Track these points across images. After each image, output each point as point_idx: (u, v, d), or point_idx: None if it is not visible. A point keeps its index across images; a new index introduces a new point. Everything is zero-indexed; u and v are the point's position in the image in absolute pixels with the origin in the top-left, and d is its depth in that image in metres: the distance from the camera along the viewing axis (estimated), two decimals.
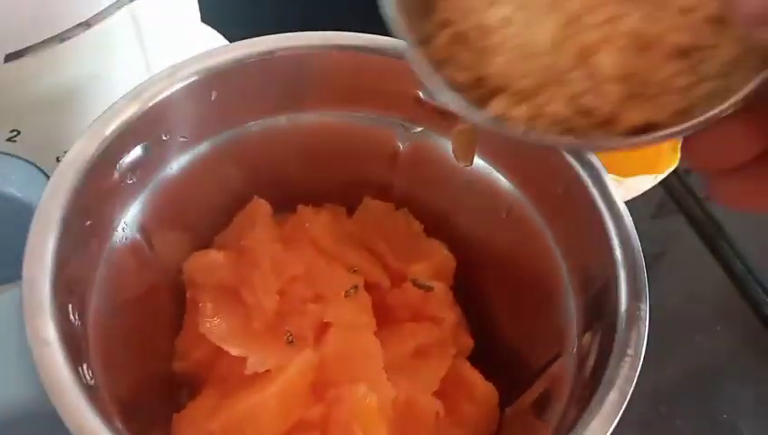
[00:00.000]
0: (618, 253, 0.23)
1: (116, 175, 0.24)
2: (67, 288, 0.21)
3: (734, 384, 0.41)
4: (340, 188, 0.32)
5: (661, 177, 0.42)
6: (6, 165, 0.27)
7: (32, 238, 0.20)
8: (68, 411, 0.17)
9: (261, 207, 0.30)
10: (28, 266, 0.20)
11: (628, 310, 0.21)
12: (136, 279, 0.27)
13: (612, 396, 0.20)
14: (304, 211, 0.31)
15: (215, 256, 0.30)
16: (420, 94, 0.29)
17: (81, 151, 0.23)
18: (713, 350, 0.42)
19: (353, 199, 0.33)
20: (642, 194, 0.48)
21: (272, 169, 0.31)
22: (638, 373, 0.20)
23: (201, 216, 0.30)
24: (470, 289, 0.32)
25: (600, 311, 0.23)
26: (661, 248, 0.46)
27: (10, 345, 0.19)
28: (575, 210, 0.25)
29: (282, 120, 0.30)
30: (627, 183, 0.40)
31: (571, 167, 0.25)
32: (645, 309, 0.21)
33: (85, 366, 0.20)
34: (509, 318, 0.31)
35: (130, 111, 0.24)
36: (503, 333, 0.31)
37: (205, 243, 0.30)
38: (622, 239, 0.23)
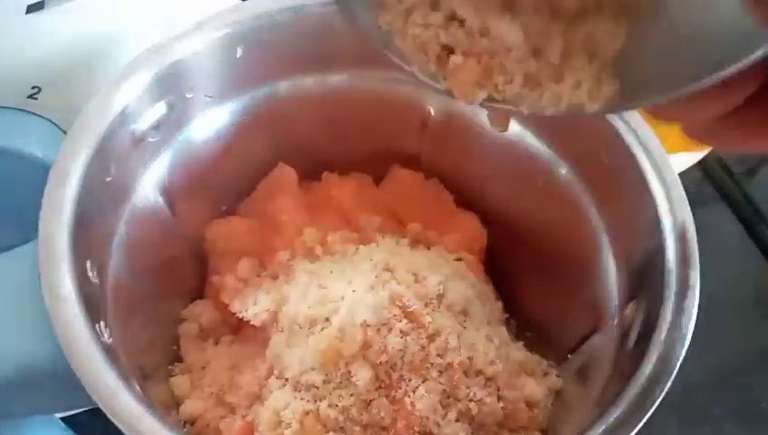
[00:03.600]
0: (666, 219, 0.21)
1: (137, 132, 0.23)
2: (86, 245, 0.20)
3: None
4: (368, 156, 0.31)
5: (701, 154, 0.40)
6: (27, 123, 0.26)
7: (48, 193, 0.20)
8: (84, 368, 0.17)
9: (286, 173, 0.29)
10: (44, 221, 0.19)
11: (677, 278, 0.20)
12: (158, 246, 0.26)
13: (656, 371, 0.18)
14: (330, 178, 0.30)
15: (237, 223, 0.29)
16: None
17: (100, 105, 0.22)
18: (751, 336, 0.41)
19: (381, 169, 0.31)
20: (680, 178, 0.47)
21: (298, 135, 0.30)
22: (686, 348, 0.19)
23: (224, 181, 0.29)
24: (501, 263, 0.30)
25: (646, 280, 0.21)
26: (699, 234, 0.44)
27: (26, 303, 0.18)
28: (619, 177, 0.24)
29: (309, 81, 0.28)
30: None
31: (617, 133, 0.24)
32: (696, 277, 0.20)
33: (102, 324, 0.19)
34: (542, 293, 0.29)
35: (153, 66, 0.23)
36: (534, 308, 0.29)
37: (228, 210, 0.30)
38: (671, 205, 0.22)
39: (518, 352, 0.26)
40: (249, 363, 0.26)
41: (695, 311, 0.19)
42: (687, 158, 0.39)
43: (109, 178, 0.22)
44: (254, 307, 0.26)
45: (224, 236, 0.29)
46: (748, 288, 0.44)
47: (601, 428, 0.18)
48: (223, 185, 0.29)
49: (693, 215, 0.43)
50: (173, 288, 0.28)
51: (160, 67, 0.23)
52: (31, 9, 0.24)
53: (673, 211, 0.21)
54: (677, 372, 0.19)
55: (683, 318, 0.19)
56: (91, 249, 0.20)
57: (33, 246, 0.19)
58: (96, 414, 0.29)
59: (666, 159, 0.23)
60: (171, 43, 0.24)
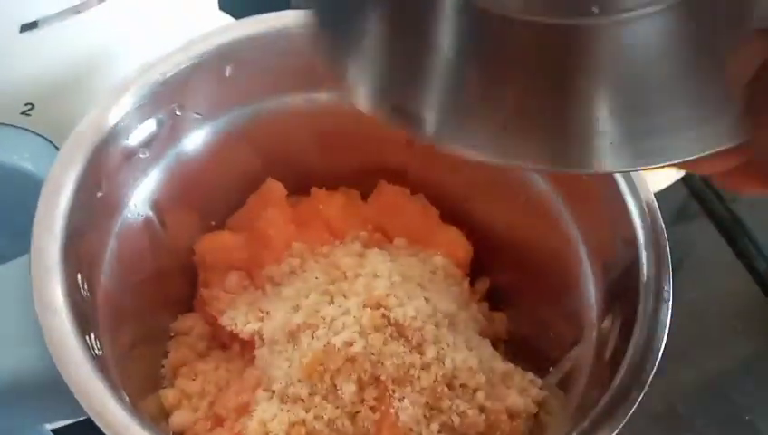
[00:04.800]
0: (641, 234, 0.22)
1: (128, 148, 0.24)
2: (77, 258, 0.20)
3: (755, 385, 0.40)
4: (355, 172, 0.32)
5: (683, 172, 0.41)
6: (20, 139, 0.26)
7: (41, 207, 0.20)
8: (75, 379, 0.17)
9: (275, 188, 0.30)
10: (37, 235, 0.19)
11: (652, 292, 0.21)
12: (148, 259, 0.26)
13: (629, 381, 0.19)
14: (318, 193, 0.31)
15: (227, 237, 0.30)
16: None
17: (93, 121, 0.22)
18: (735, 349, 0.41)
19: (368, 184, 0.32)
20: (665, 193, 0.47)
21: (286, 151, 0.31)
22: (659, 359, 0.19)
23: (214, 196, 0.30)
24: (485, 277, 0.31)
25: (621, 294, 0.22)
26: (684, 249, 0.45)
27: (19, 315, 0.18)
28: (596, 194, 0.25)
29: (297, 99, 0.29)
30: (651, 176, 0.39)
31: None
32: (669, 291, 0.21)
33: (93, 336, 0.19)
34: (526, 306, 0.30)
35: (143, 84, 0.24)
36: (520, 321, 0.30)
37: (217, 224, 0.30)
38: (645, 220, 0.22)
39: (501, 364, 0.26)
40: (237, 376, 0.26)
41: (667, 323, 0.20)
42: (671, 173, 0.40)
43: (100, 194, 0.23)
44: (242, 321, 0.26)
45: (213, 250, 0.29)
46: (732, 302, 0.45)
47: None
48: (212, 200, 0.30)
49: (678, 231, 0.44)
50: (163, 301, 0.28)
51: (150, 85, 0.24)
52: (24, 28, 0.24)
53: (647, 226, 0.22)
54: (661, 384, 0.19)
55: (657, 331, 0.20)
56: (82, 263, 0.21)
57: (26, 259, 0.20)
58: (87, 426, 0.30)
59: (640, 176, 0.23)
60: (161, 61, 0.24)
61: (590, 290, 0.25)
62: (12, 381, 0.18)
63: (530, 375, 0.26)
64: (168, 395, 0.26)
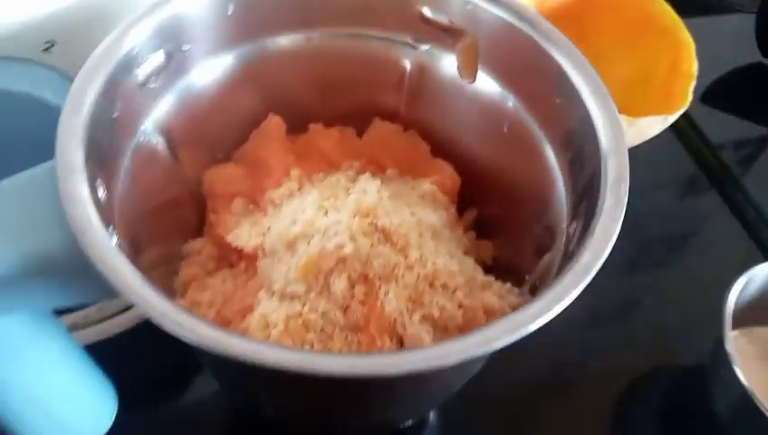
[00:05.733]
0: (605, 146, 0.24)
1: (140, 76, 0.26)
2: (96, 166, 0.23)
3: None
4: (351, 111, 0.34)
5: (672, 119, 0.43)
6: (41, 73, 0.29)
7: (65, 114, 0.23)
8: (99, 257, 0.19)
9: (275, 123, 0.32)
10: (61, 134, 0.22)
11: (612, 192, 0.23)
12: (160, 187, 0.29)
13: (585, 260, 0.21)
14: (315, 129, 0.33)
15: (232, 168, 0.32)
16: (425, 12, 0.30)
17: (108, 48, 0.25)
18: None
19: (363, 123, 0.34)
20: (674, 167, 0.49)
21: (286, 90, 0.33)
22: (614, 237, 0.22)
23: (220, 131, 0.32)
24: (473, 202, 0.33)
25: (585, 198, 0.24)
26: (693, 222, 0.46)
27: (50, 207, 0.21)
28: (568, 113, 0.27)
29: (294, 38, 0.32)
30: (638, 124, 0.41)
31: (566, 75, 0.27)
32: (625, 189, 0.23)
33: (111, 227, 0.22)
34: (509, 233, 0.32)
35: (154, 18, 0.26)
36: (503, 248, 0.32)
37: (224, 158, 0.33)
38: (608, 132, 0.24)
39: (482, 276, 0.29)
40: (243, 288, 0.29)
41: (622, 214, 0.22)
42: (657, 121, 0.42)
43: (116, 114, 0.25)
44: (246, 237, 0.29)
45: (220, 180, 0.32)
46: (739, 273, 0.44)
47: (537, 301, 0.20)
48: (219, 134, 0.32)
49: (687, 204, 0.44)
50: (174, 227, 0.31)
51: (160, 19, 0.26)
52: None
53: (611, 138, 0.24)
54: None
55: (612, 221, 0.22)
56: (100, 169, 0.23)
57: (47, 164, 0.22)
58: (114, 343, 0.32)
59: (606, 93, 0.25)
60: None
61: (563, 204, 0.27)
62: (42, 260, 0.21)
63: (507, 285, 0.28)
64: (179, 304, 0.28)
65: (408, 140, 0.34)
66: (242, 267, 0.30)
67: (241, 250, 0.29)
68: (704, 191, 0.49)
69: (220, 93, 0.31)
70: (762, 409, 0.31)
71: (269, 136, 0.32)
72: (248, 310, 0.27)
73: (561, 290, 0.20)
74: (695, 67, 0.46)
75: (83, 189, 0.21)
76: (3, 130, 0.29)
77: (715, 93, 0.55)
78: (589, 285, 0.21)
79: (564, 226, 0.26)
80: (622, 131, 0.25)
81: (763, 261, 0.36)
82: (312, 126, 0.33)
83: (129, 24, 0.26)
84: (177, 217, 0.31)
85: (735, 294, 0.34)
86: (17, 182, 0.22)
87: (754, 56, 0.58)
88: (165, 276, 0.30)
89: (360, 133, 0.34)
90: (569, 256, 0.23)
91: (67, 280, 0.21)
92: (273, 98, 0.33)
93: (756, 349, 0.38)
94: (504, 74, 0.30)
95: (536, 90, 0.29)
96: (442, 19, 0.30)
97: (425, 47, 0.32)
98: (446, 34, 0.31)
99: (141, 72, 0.26)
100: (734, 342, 0.34)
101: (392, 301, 0.24)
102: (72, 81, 0.30)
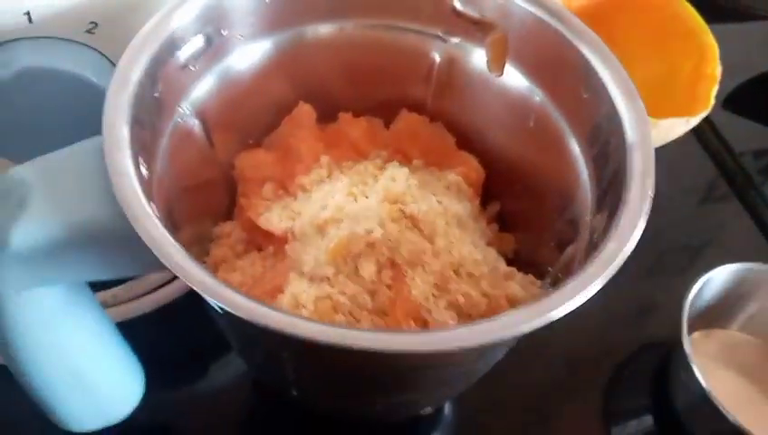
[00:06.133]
0: (631, 139, 0.25)
1: (180, 58, 0.27)
2: (138, 141, 0.24)
3: None
4: (379, 102, 0.35)
5: (694, 121, 0.43)
6: (84, 54, 0.30)
7: (111, 91, 0.23)
8: (144, 228, 0.20)
9: (306, 111, 0.33)
10: (108, 110, 0.23)
11: (637, 186, 0.23)
12: (195, 167, 0.30)
13: (610, 250, 0.22)
14: (344, 117, 0.34)
15: (263, 154, 0.33)
16: (457, 5, 0.31)
17: (154, 28, 0.26)
18: None
19: (391, 114, 0.35)
20: (695, 173, 0.49)
21: (316, 79, 0.34)
22: (640, 229, 0.22)
23: (251, 117, 0.33)
24: (496, 196, 0.34)
25: (610, 191, 0.25)
26: (712, 229, 0.46)
27: (96, 179, 0.22)
28: (595, 108, 0.27)
29: (327, 27, 0.32)
30: (660, 125, 0.41)
31: (593, 70, 0.27)
32: (651, 183, 0.23)
33: (151, 204, 0.23)
34: (532, 226, 0.33)
35: (197, 2, 0.27)
36: (526, 241, 0.33)
37: (255, 143, 0.33)
38: (634, 127, 0.25)
39: (505, 266, 0.29)
40: (272, 269, 0.29)
41: (648, 207, 0.23)
42: (679, 123, 0.42)
43: (156, 94, 0.26)
44: (276, 220, 0.29)
45: (251, 165, 0.32)
46: None
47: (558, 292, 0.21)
48: (250, 120, 0.33)
49: (707, 210, 0.44)
50: (205, 208, 0.31)
51: (203, 3, 0.27)
52: None
53: (637, 132, 0.25)
54: None
55: (638, 214, 0.23)
56: (142, 147, 0.24)
57: (95, 139, 0.23)
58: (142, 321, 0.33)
59: (634, 89, 0.26)
60: None
61: (588, 197, 0.28)
62: (87, 231, 0.22)
63: (530, 277, 0.29)
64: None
65: (435, 131, 0.35)
66: (270, 251, 0.31)
67: (270, 233, 0.30)
68: (724, 197, 0.49)
69: (254, 79, 0.32)
70: (720, 408, 0.32)
71: (300, 123, 0.33)
72: (277, 290, 0.28)
73: (586, 278, 0.21)
74: (718, 70, 0.46)
75: (129, 164, 0.22)
76: (47, 106, 0.30)
77: (736, 99, 0.55)
78: (606, 287, 0.21)
79: (588, 218, 0.27)
80: (648, 126, 0.25)
81: None
82: (341, 115, 0.34)
83: (173, 7, 0.26)
84: (208, 200, 0.32)
85: (693, 295, 0.35)
86: (64, 155, 0.23)
87: None
88: (196, 257, 0.31)
89: (387, 124, 0.35)
90: (593, 247, 0.24)
91: (109, 252, 0.22)
92: (304, 86, 0.34)
93: (715, 350, 0.39)
94: (533, 69, 0.31)
95: (564, 84, 0.29)
96: (473, 12, 0.31)
97: (455, 40, 0.32)
98: (476, 28, 0.31)
99: (183, 55, 0.27)
100: (694, 344, 0.34)
101: (419, 286, 0.25)
102: (112, 62, 0.31)
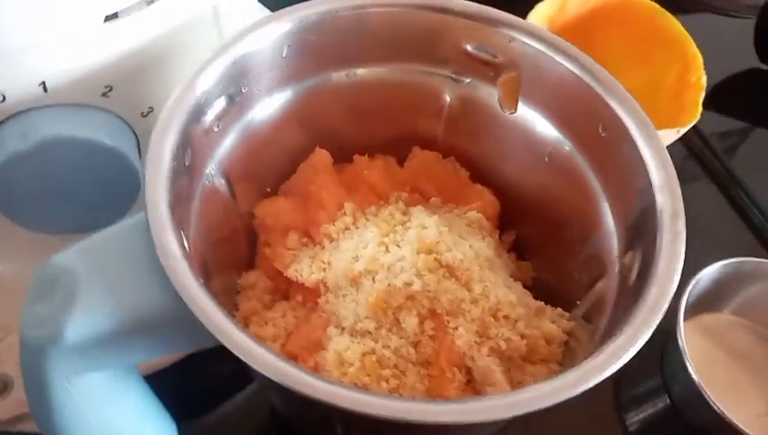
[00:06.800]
0: (656, 181, 0.26)
1: (206, 122, 0.27)
2: (178, 217, 0.24)
3: None
4: (390, 141, 0.35)
5: (683, 130, 0.44)
6: (100, 118, 0.30)
7: (149, 170, 0.23)
8: (203, 310, 0.20)
9: (323, 156, 0.33)
10: (150, 193, 0.23)
11: (669, 227, 0.24)
12: (222, 221, 0.30)
13: (655, 300, 0.23)
14: (360, 160, 0.34)
15: (282, 202, 0.33)
16: (468, 47, 0.32)
17: (180, 99, 0.26)
18: None
19: (402, 151, 0.35)
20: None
21: (328, 123, 0.34)
22: (677, 280, 0.23)
23: (268, 166, 0.33)
24: (510, 224, 0.34)
25: (642, 231, 0.26)
26: (685, 208, 0.48)
27: (143, 260, 0.22)
28: (614, 146, 0.28)
29: (340, 75, 0.32)
30: None
31: (611, 109, 0.28)
32: (683, 225, 0.24)
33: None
34: (549, 255, 0.33)
35: (218, 64, 0.27)
36: (543, 269, 0.34)
37: (272, 191, 0.33)
38: (659, 168, 0.26)
39: (533, 301, 0.30)
40: (304, 321, 0.30)
41: (683, 249, 0.24)
42: (669, 134, 0.44)
43: (187, 163, 0.26)
44: (307, 272, 0.30)
45: (271, 214, 0.32)
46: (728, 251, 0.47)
47: (606, 349, 0.22)
48: (267, 169, 0.33)
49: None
50: (231, 260, 0.31)
51: (224, 65, 0.27)
52: (108, 19, 0.27)
53: (662, 174, 0.26)
54: None
55: (675, 257, 0.24)
56: (181, 219, 0.24)
57: (141, 216, 0.23)
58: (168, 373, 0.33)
59: (653, 129, 0.27)
60: (234, 42, 0.28)
61: (611, 233, 0.29)
62: (142, 315, 0.21)
63: (558, 310, 0.30)
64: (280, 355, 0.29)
65: (447, 167, 0.35)
66: (299, 300, 0.31)
67: (297, 283, 0.30)
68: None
69: (271, 129, 0.32)
70: (708, 399, 0.34)
71: (317, 169, 0.33)
72: (315, 345, 0.28)
73: (638, 328, 0.22)
74: (704, 79, 0.48)
75: (175, 243, 0.22)
76: (62, 172, 0.30)
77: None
78: None
79: (615, 255, 0.28)
80: (671, 165, 0.26)
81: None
82: (356, 157, 0.34)
83: (196, 73, 0.26)
84: (233, 251, 0.32)
85: (688, 292, 0.38)
86: (106, 239, 0.23)
87: (753, 62, 0.60)
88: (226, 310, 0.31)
89: (398, 161, 0.35)
90: (630, 290, 0.25)
91: (162, 333, 0.22)
92: (315, 130, 0.34)
93: (707, 335, 0.41)
94: (547, 106, 0.31)
95: (581, 123, 0.30)
96: (485, 55, 0.31)
97: (466, 80, 0.33)
98: (488, 68, 0.32)
99: (207, 119, 0.27)
100: (686, 330, 0.37)
101: (463, 335, 0.26)
102: (127, 122, 0.31)
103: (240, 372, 0.28)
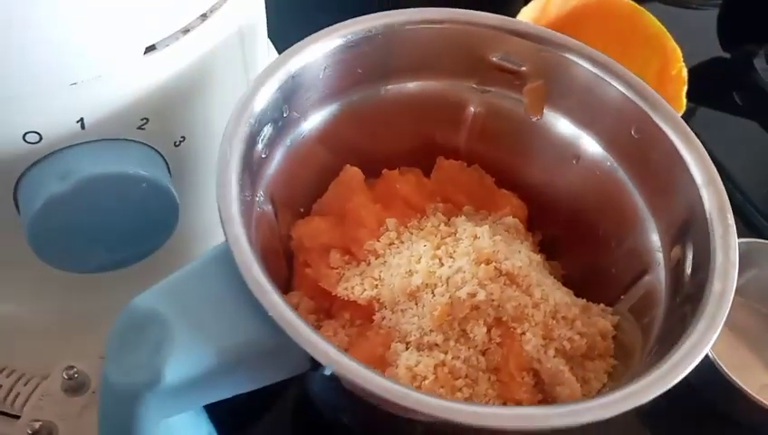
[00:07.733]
0: (698, 176, 0.27)
1: (258, 151, 0.27)
2: (251, 247, 0.24)
3: None
4: (410, 152, 0.36)
5: None
6: (135, 150, 0.29)
7: (222, 205, 0.23)
8: (305, 338, 0.20)
9: (354, 173, 0.34)
10: (227, 228, 0.23)
11: (719, 220, 0.26)
12: (270, 244, 0.30)
13: (719, 291, 0.24)
14: (391, 175, 0.35)
15: (318, 221, 0.33)
16: (494, 59, 0.32)
17: (233, 131, 0.26)
18: None
19: (422, 162, 0.36)
20: None
21: (355, 140, 0.34)
22: (736, 274, 0.24)
23: (302, 186, 0.33)
24: (538, 230, 0.36)
25: (690, 226, 0.27)
26: None
27: (234, 300, 0.21)
28: (649, 147, 0.29)
29: (371, 93, 0.33)
30: None
31: (643, 111, 0.29)
32: (731, 218, 0.26)
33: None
34: (580, 254, 0.34)
35: (266, 91, 0.27)
36: (574, 267, 0.35)
37: (305, 211, 0.33)
38: (699, 161, 0.27)
39: (578, 299, 0.31)
40: (358, 338, 0.30)
41: (735, 241, 0.25)
42: None
43: (248, 193, 0.26)
44: (358, 289, 0.30)
45: (309, 234, 0.32)
46: None
47: (685, 343, 0.23)
48: (300, 190, 0.33)
49: None
50: (278, 282, 0.31)
51: (271, 91, 0.27)
52: (147, 51, 0.27)
53: (703, 170, 0.27)
54: None
55: (730, 250, 0.25)
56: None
57: (224, 246, 0.23)
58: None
59: (686, 126, 0.28)
60: (278, 66, 0.28)
61: (650, 229, 0.30)
62: (238, 351, 0.21)
63: (601, 306, 0.31)
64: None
65: (474, 174, 0.36)
66: (347, 318, 0.31)
67: (342, 301, 0.30)
68: None
69: (304, 152, 0.32)
70: (725, 375, 0.36)
71: (352, 187, 0.33)
72: (379, 362, 0.28)
73: (706, 324, 0.23)
74: (684, 72, 0.50)
75: (263, 278, 0.22)
76: (102, 208, 0.29)
77: None
78: None
79: (658, 250, 0.29)
80: (712, 167, 0.28)
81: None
82: (386, 172, 0.34)
83: (245, 103, 0.26)
84: (277, 274, 0.32)
85: None
86: (188, 277, 0.23)
87: (715, 51, 0.63)
88: None
89: (425, 173, 0.36)
90: (688, 283, 0.26)
91: (257, 366, 0.22)
92: (344, 147, 0.34)
93: None
94: (574, 111, 0.32)
95: (610, 125, 0.31)
96: (511, 65, 0.32)
97: (491, 89, 0.34)
98: (514, 77, 0.33)
99: (258, 147, 0.27)
100: None
101: (531, 340, 0.27)
102: (161, 153, 0.30)
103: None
